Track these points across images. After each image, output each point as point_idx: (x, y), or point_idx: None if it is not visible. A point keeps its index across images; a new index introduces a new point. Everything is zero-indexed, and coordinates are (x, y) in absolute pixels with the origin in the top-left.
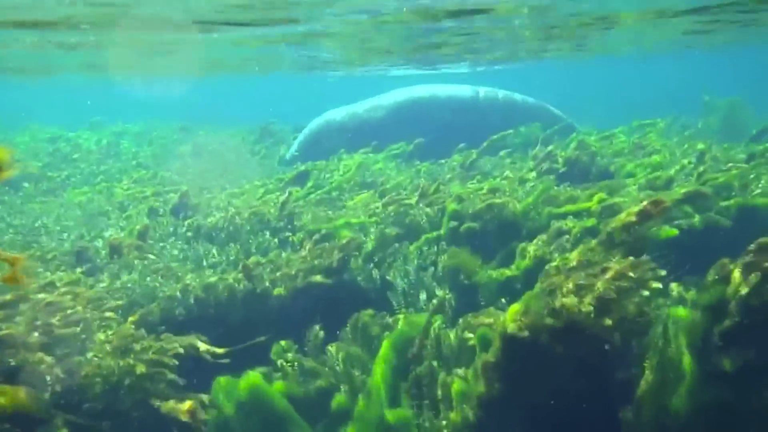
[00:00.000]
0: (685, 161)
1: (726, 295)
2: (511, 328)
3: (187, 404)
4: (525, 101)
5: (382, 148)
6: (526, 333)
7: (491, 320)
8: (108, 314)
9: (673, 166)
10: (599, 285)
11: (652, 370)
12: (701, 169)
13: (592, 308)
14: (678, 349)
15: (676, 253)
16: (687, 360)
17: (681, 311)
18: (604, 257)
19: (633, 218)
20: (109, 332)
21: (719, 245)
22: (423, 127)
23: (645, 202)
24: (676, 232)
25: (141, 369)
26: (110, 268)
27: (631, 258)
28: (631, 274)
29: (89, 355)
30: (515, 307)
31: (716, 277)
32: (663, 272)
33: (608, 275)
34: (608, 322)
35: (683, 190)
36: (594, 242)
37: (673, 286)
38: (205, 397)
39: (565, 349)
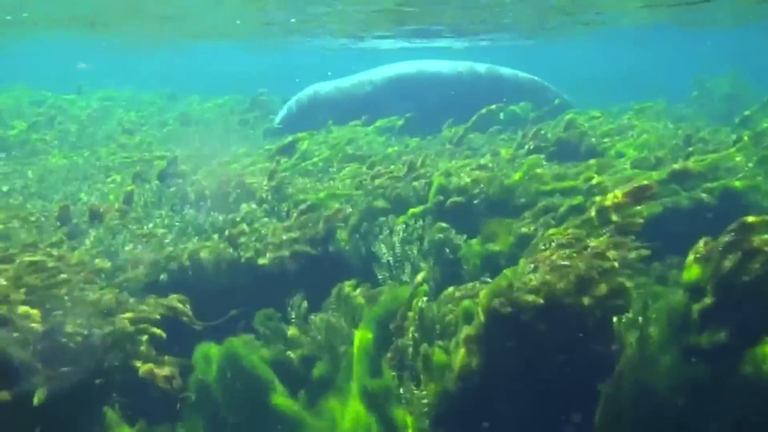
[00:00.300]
0: (674, 142)
1: (706, 274)
2: (493, 303)
3: (165, 370)
4: (516, 76)
5: (370, 122)
6: (508, 309)
7: (474, 293)
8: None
9: (662, 147)
10: (580, 263)
11: (632, 347)
12: (689, 150)
13: (572, 287)
14: (658, 326)
15: (660, 232)
16: (666, 338)
17: (661, 289)
18: (589, 235)
19: (622, 200)
20: (93, 294)
21: (703, 226)
22: (411, 102)
23: (634, 184)
24: (659, 208)
25: (125, 328)
26: (93, 232)
27: (614, 237)
28: (612, 252)
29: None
30: (498, 282)
31: (697, 256)
32: (647, 252)
33: (590, 253)
34: (588, 301)
35: (669, 169)
36: (580, 219)
37: (656, 265)
38: (186, 362)
39: (546, 326)
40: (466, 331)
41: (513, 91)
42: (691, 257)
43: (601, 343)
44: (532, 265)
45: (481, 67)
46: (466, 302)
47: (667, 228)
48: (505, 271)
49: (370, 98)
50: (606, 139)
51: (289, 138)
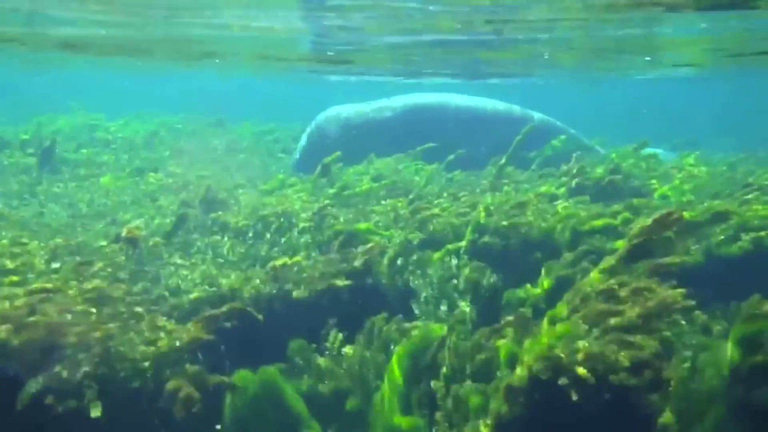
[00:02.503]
0: (725, 188)
1: (761, 330)
2: (537, 368)
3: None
4: (531, 116)
5: (393, 149)
6: (555, 376)
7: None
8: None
9: (711, 191)
10: (634, 339)
11: (677, 400)
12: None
13: (625, 366)
14: (705, 380)
15: (704, 279)
16: (714, 393)
17: (709, 342)
18: (628, 279)
19: (649, 223)
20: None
21: (751, 276)
22: (429, 133)
23: (662, 212)
24: (702, 257)
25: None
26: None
27: (660, 293)
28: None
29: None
30: (546, 339)
31: (751, 310)
32: (692, 302)
33: (636, 314)
34: (638, 382)
35: (712, 209)
36: (614, 260)
37: (697, 313)
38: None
39: (593, 398)
40: (508, 379)
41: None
42: (744, 311)
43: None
44: (581, 324)
45: (501, 105)
46: (507, 345)
47: (708, 273)
48: (558, 328)
49: (388, 123)
50: (652, 181)
51: (327, 162)
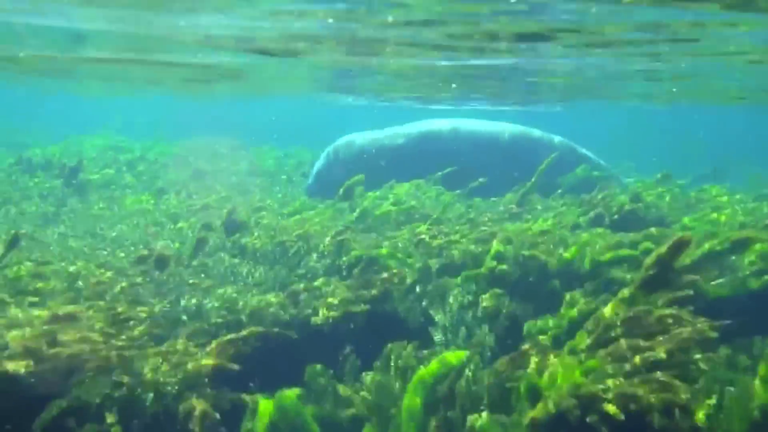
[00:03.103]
0: (749, 219)
1: None
2: (566, 404)
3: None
4: (550, 140)
5: (406, 177)
6: (577, 412)
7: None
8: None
9: (735, 224)
10: (668, 379)
11: None
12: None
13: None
14: (734, 420)
15: (726, 312)
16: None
17: (732, 375)
18: (647, 309)
19: (663, 251)
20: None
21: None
22: (442, 159)
23: (675, 238)
24: (725, 291)
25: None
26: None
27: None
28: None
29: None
30: (573, 376)
31: None
32: (714, 334)
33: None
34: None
35: (732, 237)
36: (632, 289)
37: (722, 349)
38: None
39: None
40: (531, 413)
41: (547, 154)
42: None
43: None
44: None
45: (517, 129)
46: (527, 376)
47: (731, 306)
48: (587, 363)
49: (401, 150)
50: (675, 212)
51: (350, 185)
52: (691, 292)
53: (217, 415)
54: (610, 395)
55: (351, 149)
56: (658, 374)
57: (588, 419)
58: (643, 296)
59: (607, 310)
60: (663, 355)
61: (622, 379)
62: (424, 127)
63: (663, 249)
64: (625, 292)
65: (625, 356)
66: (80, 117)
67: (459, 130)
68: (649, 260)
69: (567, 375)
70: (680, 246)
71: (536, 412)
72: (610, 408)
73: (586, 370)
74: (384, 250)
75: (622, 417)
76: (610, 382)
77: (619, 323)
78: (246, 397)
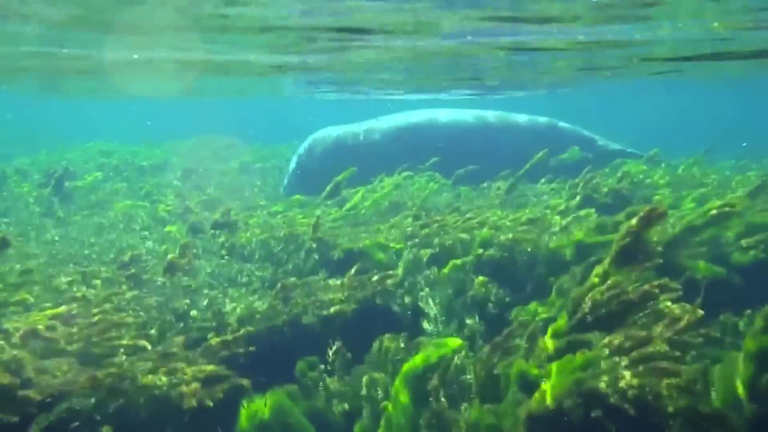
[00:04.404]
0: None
1: None
2: (567, 404)
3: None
4: (533, 122)
5: (384, 169)
6: (578, 409)
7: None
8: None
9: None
10: (672, 367)
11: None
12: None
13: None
14: (720, 394)
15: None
16: (729, 406)
17: (720, 353)
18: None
19: (634, 223)
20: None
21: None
22: (423, 151)
23: (646, 209)
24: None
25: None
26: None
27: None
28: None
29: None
30: (572, 366)
31: (764, 324)
32: (700, 312)
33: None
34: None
35: (713, 210)
36: (605, 265)
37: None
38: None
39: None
40: (528, 406)
41: (530, 138)
42: (758, 324)
43: None
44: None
45: (493, 115)
46: (517, 364)
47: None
48: (586, 355)
49: (378, 144)
50: (662, 191)
51: (338, 181)
52: (660, 261)
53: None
54: (620, 385)
55: (326, 143)
56: (664, 363)
57: (593, 414)
58: (615, 271)
59: (584, 288)
60: (665, 348)
61: (625, 372)
62: (402, 119)
63: (634, 221)
64: (599, 269)
65: (623, 347)
66: (66, 124)
67: (437, 121)
68: (620, 233)
69: (564, 367)
70: (652, 217)
71: (533, 406)
72: (622, 405)
73: (585, 362)
74: (370, 241)
75: (632, 411)
76: (612, 376)
77: (597, 301)
78: (243, 382)
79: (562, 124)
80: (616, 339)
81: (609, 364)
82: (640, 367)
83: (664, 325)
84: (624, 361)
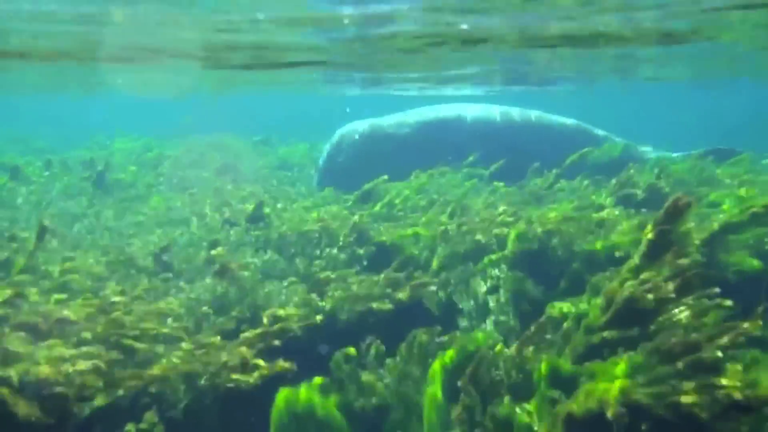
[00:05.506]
0: None
1: None
2: (613, 413)
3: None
4: (561, 122)
5: (411, 164)
6: (624, 419)
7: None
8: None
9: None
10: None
11: None
12: None
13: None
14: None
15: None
16: None
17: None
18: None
19: (661, 215)
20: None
21: None
22: (449, 147)
23: (671, 200)
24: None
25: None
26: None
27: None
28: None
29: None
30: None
31: None
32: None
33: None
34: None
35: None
36: (636, 259)
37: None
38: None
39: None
40: (568, 407)
41: (558, 138)
42: None
43: None
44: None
45: (524, 113)
46: (548, 360)
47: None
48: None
49: (406, 138)
50: (701, 188)
51: (370, 185)
52: (695, 254)
53: None
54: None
55: (353, 138)
56: (722, 380)
57: (643, 427)
58: (648, 264)
59: (616, 284)
60: (719, 355)
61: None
62: (428, 114)
63: (660, 214)
64: (631, 263)
65: (671, 353)
66: (107, 120)
67: (464, 117)
68: (648, 228)
69: (607, 370)
70: (678, 209)
71: (574, 408)
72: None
73: (632, 368)
74: (403, 232)
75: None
76: (662, 388)
77: (629, 297)
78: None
79: (590, 127)
80: (663, 343)
81: (658, 372)
82: (694, 383)
83: (715, 328)
84: (674, 369)
